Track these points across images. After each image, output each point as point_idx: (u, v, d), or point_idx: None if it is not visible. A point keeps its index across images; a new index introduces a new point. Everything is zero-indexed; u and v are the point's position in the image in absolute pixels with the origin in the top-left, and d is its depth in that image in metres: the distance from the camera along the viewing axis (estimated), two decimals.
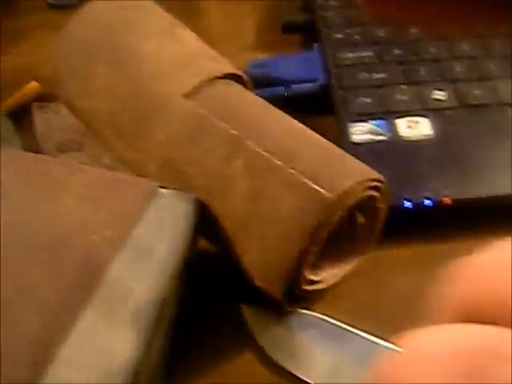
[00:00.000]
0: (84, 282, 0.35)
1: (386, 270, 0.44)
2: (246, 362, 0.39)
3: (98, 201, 0.39)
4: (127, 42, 0.45)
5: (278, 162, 0.37)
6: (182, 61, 0.43)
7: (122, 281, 0.35)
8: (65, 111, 0.55)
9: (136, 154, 0.43)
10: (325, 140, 0.41)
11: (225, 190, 0.38)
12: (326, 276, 0.41)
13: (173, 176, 0.41)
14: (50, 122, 0.53)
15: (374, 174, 0.39)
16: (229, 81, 0.44)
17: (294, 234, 0.36)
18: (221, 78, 0.43)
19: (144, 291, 0.35)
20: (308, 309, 0.41)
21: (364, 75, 0.52)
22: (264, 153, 0.38)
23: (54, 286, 0.35)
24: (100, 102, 0.45)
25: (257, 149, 0.38)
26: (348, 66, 0.53)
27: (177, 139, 0.40)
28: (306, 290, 0.39)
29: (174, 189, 0.40)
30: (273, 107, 0.42)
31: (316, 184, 0.36)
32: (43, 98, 0.57)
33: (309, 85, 0.52)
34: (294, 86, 0.52)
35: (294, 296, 0.39)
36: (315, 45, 0.55)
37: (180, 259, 0.37)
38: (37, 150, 0.50)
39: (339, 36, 0.55)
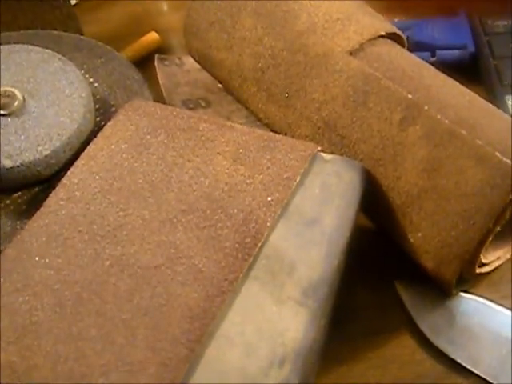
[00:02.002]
0: (243, 251, 0.32)
1: None
2: (404, 346, 0.36)
3: (252, 162, 0.36)
4: None
5: (462, 132, 0.33)
6: (341, 15, 0.40)
7: (283, 252, 0.32)
8: (188, 65, 0.52)
9: (286, 114, 0.40)
10: (498, 109, 0.37)
11: (397, 158, 0.35)
12: (492, 259, 0.37)
13: (330, 140, 0.37)
14: (174, 76, 0.50)
15: None
16: (390, 41, 0.40)
17: (481, 211, 0.32)
18: (382, 37, 0.40)
19: (311, 266, 0.32)
20: (468, 293, 0.38)
21: None
22: (445, 120, 0.34)
23: (211, 254, 0.32)
24: (246, 56, 0.41)
25: (437, 115, 0.34)
26: (500, 34, 0.49)
27: (339, 100, 0.37)
28: (474, 273, 0.36)
29: (332, 153, 0.37)
30: (440, 72, 0.39)
31: (505, 157, 0.33)
32: (162, 51, 0.54)
33: (457, 52, 0.48)
34: (440, 52, 0.48)
35: (459, 279, 0.36)
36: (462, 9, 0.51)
37: (348, 233, 0.33)
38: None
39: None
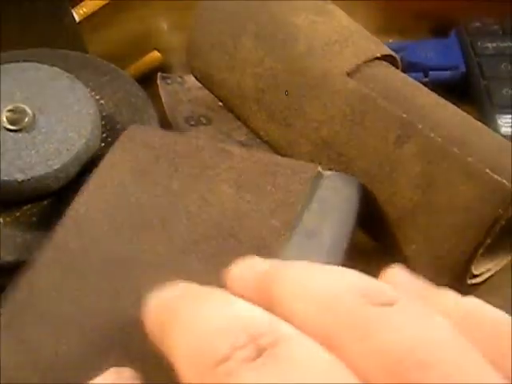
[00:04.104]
0: None
1: None
2: None
3: (257, 188, 0.36)
4: (275, 15, 0.43)
5: (454, 149, 0.35)
6: (338, 38, 0.41)
7: None
8: (189, 84, 0.54)
9: (286, 133, 0.41)
10: (488, 128, 0.39)
11: (393, 175, 0.36)
12: (483, 270, 0.39)
13: (329, 157, 0.39)
14: (176, 94, 0.52)
15: None
16: (385, 62, 0.42)
17: (472, 225, 0.34)
18: (377, 59, 0.41)
19: None
20: None
21: (507, 67, 0.50)
22: (438, 138, 0.36)
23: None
24: (247, 77, 0.43)
25: (430, 134, 0.36)
26: (489, 55, 0.51)
27: (337, 119, 0.39)
28: (466, 284, 0.38)
29: (330, 170, 0.38)
30: (432, 92, 0.40)
31: (495, 174, 0.34)
32: (164, 69, 0.56)
33: (449, 72, 0.51)
34: (433, 73, 0.50)
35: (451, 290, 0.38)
36: (453, 31, 0.53)
37: (345, 245, 0.35)
38: (166, 122, 0.49)
39: (477, 24, 0.53)
